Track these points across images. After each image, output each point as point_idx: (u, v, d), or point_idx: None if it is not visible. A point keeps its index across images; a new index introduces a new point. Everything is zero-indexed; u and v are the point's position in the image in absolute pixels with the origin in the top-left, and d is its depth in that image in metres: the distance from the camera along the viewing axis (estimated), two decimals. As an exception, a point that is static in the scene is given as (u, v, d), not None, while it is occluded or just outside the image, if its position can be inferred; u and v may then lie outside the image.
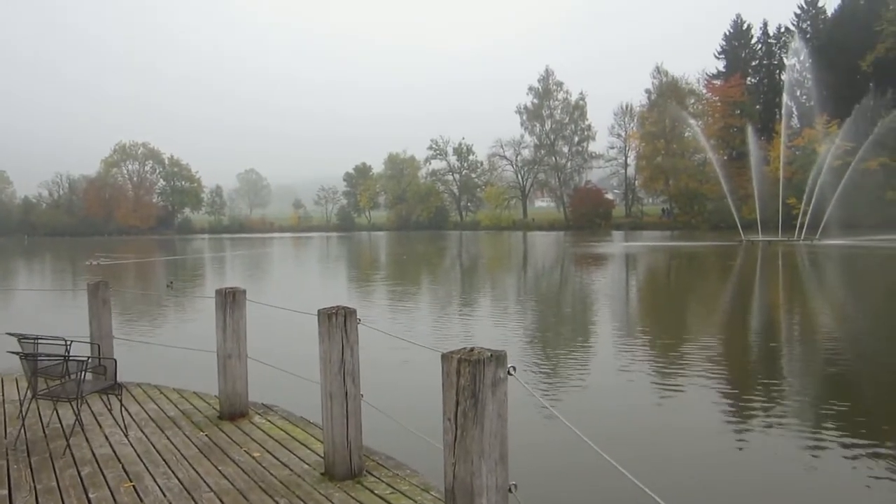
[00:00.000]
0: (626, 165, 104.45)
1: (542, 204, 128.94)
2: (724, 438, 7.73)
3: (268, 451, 5.98)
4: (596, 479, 6.22)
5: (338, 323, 5.22)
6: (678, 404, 9.24)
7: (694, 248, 47.66)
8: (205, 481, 5.31)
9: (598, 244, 54.53)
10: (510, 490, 3.42)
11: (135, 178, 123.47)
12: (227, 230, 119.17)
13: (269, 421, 6.89)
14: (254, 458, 5.83)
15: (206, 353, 7.66)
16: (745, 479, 6.62)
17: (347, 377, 5.26)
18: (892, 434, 7.84)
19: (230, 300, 6.90)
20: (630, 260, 38.66)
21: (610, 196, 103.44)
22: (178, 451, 6.04)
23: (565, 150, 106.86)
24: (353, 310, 5.30)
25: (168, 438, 6.39)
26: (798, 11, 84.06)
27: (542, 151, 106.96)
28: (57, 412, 6.76)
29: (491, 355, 3.32)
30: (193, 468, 5.59)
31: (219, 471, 5.53)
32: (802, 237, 49.91)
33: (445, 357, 3.38)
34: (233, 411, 6.99)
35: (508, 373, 3.41)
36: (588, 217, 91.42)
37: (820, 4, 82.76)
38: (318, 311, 5.33)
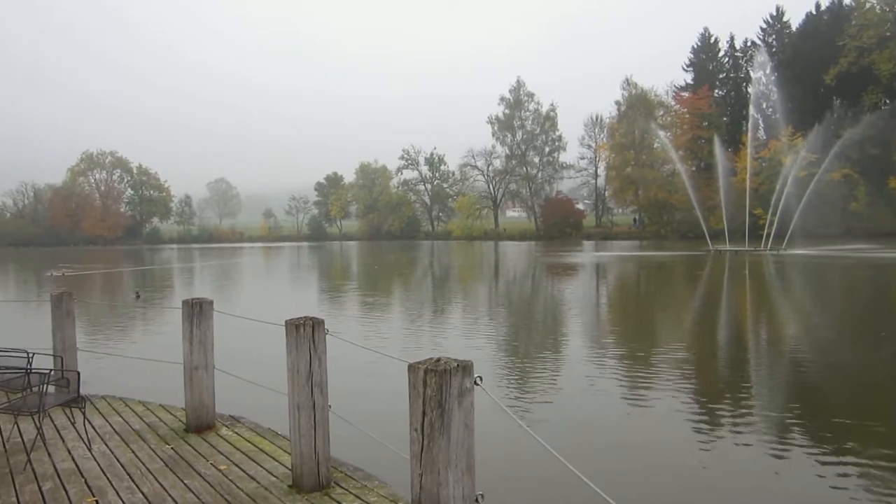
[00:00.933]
0: (596, 176, 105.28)
1: (514, 214, 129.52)
2: (691, 449, 7.77)
3: (235, 464, 5.91)
4: (563, 489, 6.23)
5: (305, 334, 5.19)
6: (646, 415, 9.30)
7: (663, 257, 48.16)
8: (170, 495, 5.24)
9: (568, 254, 54.86)
10: (477, 500, 3.42)
11: (102, 188, 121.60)
12: (196, 240, 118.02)
13: (236, 433, 6.82)
14: (220, 470, 5.76)
15: (172, 364, 7.57)
16: (711, 490, 6.68)
17: (315, 388, 5.23)
18: (857, 444, 7.97)
19: (197, 311, 6.83)
20: (601, 270, 38.94)
21: (580, 206, 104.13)
22: (143, 464, 5.95)
23: (536, 160, 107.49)
24: (320, 320, 5.28)
25: (133, 452, 6.30)
26: (764, 26, 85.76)
27: (514, 162, 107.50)
28: (18, 426, 6.62)
29: (457, 365, 3.33)
30: (158, 482, 5.52)
31: (184, 484, 5.45)
32: (769, 247, 50.70)
33: (412, 367, 3.38)
34: (199, 423, 6.91)
35: (475, 383, 3.42)
36: (559, 227, 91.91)
37: (785, 19, 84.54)
38: (286, 321, 5.30)
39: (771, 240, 51.78)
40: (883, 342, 14.98)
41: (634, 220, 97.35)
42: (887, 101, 72.26)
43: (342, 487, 5.33)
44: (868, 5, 70.64)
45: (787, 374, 11.87)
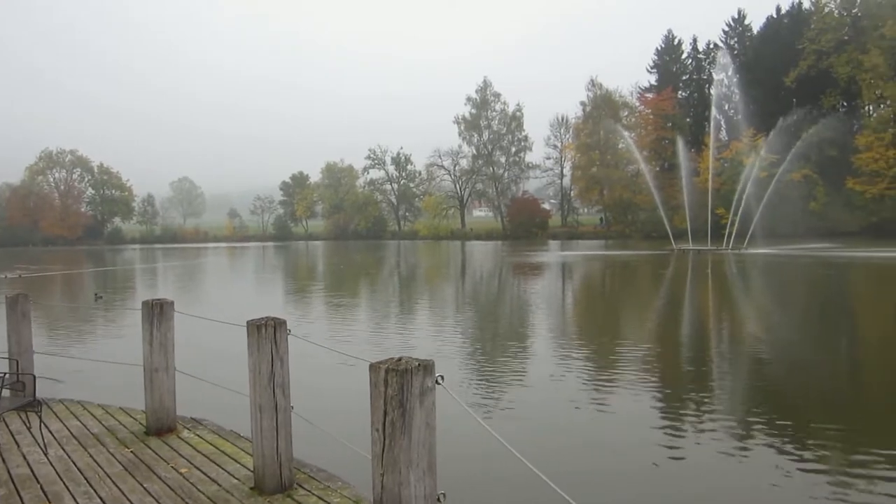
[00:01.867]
0: (562, 176, 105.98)
1: (480, 213, 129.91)
2: (653, 451, 7.80)
3: (196, 467, 5.83)
4: (524, 489, 6.23)
5: (267, 334, 5.14)
6: (609, 415, 9.37)
7: (627, 256, 48.65)
8: (129, 499, 5.15)
9: (535, 253, 55.14)
10: (439, 500, 3.42)
11: (62, 187, 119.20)
12: (159, 240, 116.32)
13: (197, 435, 6.73)
14: (181, 473, 5.68)
15: (133, 366, 7.45)
16: (676, 492, 6.73)
17: (277, 389, 5.19)
18: (816, 442, 8.12)
19: (157, 312, 6.74)
20: (567, 269, 39.22)
21: (546, 206, 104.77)
22: (101, 468, 5.84)
23: (503, 160, 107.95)
24: (282, 321, 5.24)
25: (91, 456, 6.17)
26: (726, 28, 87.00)
27: (480, 161, 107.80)
28: (-29, 431, 6.48)
29: (419, 365, 3.32)
30: (117, 486, 5.42)
31: (144, 488, 5.36)
32: (731, 246, 51.47)
33: (373, 367, 3.36)
34: (160, 426, 6.81)
35: (437, 382, 3.41)
36: (525, 226, 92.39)
37: (746, 22, 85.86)
38: (247, 322, 5.24)
39: (732, 239, 52.59)
40: (839, 338, 15.35)
41: (601, 219, 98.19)
42: (845, 104, 73.91)
43: (305, 489, 5.28)
44: (826, 10, 72.14)
45: (746, 371, 12.06)
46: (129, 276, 41.76)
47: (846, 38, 69.97)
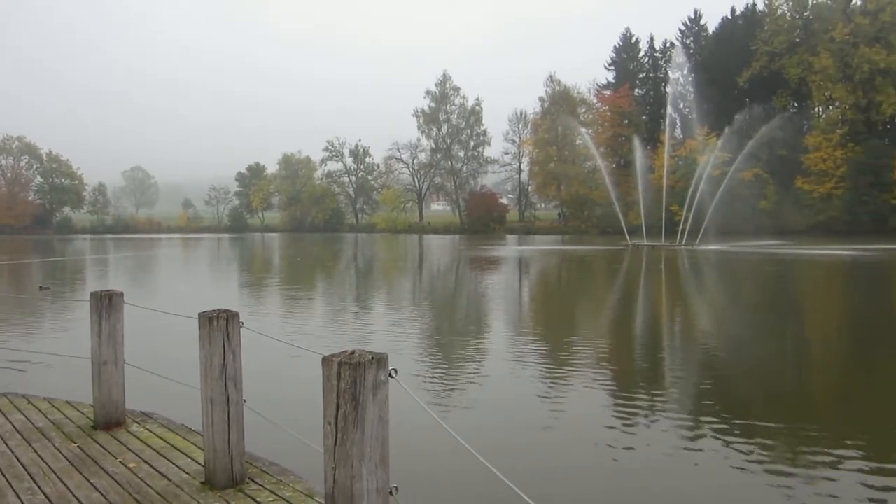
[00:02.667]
0: (520, 171, 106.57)
1: (438, 207, 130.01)
2: (610, 446, 7.86)
3: (145, 462, 5.71)
4: (478, 485, 6.20)
5: (219, 326, 5.06)
6: (565, 410, 9.45)
7: (583, 251, 49.14)
8: (74, 495, 5.02)
9: (492, 248, 55.38)
10: (391, 493, 3.41)
11: (8, 174, 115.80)
12: (110, 230, 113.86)
13: (147, 429, 6.60)
14: (129, 468, 5.56)
15: (80, 359, 7.28)
16: (630, 489, 6.80)
17: (229, 382, 5.11)
18: (772, 438, 8.30)
19: (106, 303, 6.57)
20: (523, 263, 39.48)
21: (504, 200, 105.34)
22: (46, 464, 5.69)
23: (461, 154, 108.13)
24: (235, 313, 5.16)
25: (35, 451, 6.00)
26: (682, 28, 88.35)
27: (439, 155, 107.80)
28: None
29: (372, 358, 3.30)
30: (62, 482, 5.28)
31: (91, 484, 5.24)
32: (683, 242, 52.41)
33: (326, 360, 3.34)
34: (108, 420, 6.65)
35: (390, 375, 3.40)
36: (483, 221, 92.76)
37: (702, 22, 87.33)
38: (199, 314, 5.16)
39: (685, 235, 53.54)
40: (783, 329, 15.74)
41: (559, 214, 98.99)
42: (795, 104, 75.73)
43: (257, 483, 5.22)
44: (779, 12, 73.79)
45: (695, 363, 12.29)
46: (79, 266, 40.78)
47: (798, 40, 71.71)
